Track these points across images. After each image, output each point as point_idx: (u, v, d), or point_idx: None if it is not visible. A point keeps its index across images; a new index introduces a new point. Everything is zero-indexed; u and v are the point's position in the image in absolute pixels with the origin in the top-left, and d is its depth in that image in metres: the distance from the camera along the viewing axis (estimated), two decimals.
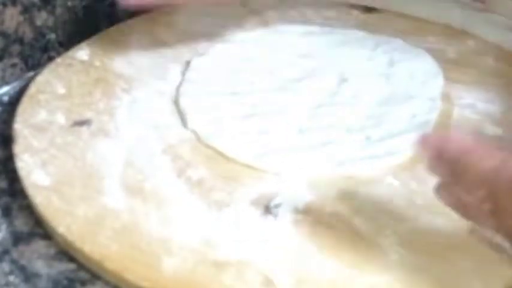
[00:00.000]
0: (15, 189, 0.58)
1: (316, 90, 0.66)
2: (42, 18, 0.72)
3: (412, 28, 0.75)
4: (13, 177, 0.58)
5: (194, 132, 0.61)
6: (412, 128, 0.62)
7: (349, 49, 0.71)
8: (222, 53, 0.70)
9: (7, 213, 0.56)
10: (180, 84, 0.66)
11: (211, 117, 0.62)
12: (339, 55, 0.71)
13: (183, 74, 0.67)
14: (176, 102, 0.64)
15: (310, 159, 0.59)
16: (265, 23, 0.75)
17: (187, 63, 0.69)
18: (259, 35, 0.73)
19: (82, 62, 0.69)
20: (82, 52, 0.70)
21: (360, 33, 0.74)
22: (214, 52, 0.70)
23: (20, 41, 0.70)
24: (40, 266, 0.52)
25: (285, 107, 0.64)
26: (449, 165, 0.48)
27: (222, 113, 0.63)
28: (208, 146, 0.60)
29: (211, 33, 0.73)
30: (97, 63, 0.69)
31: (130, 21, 0.75)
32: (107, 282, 0.50)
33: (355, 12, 0.78)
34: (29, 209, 0.56)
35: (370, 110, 0.64)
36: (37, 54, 0.72)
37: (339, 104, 0.64)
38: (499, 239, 0.50)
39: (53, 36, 0.73)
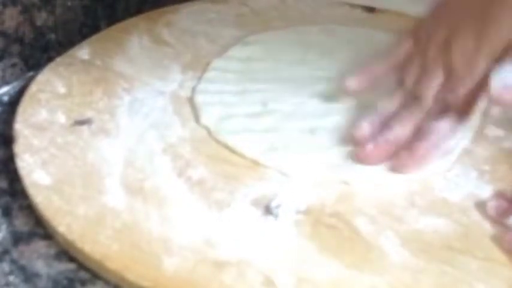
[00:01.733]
0: (16, 189, 0.58)
1: (323, 90, 0.66)
2: (42, 18, 0.71)
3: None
4: (13, 177, 0.58)
5: (206, 127, 0.61)
6: None
7: (354, 47, 0.71)
8: (240, 54, 0.70)
9: (7, 213, 0.56)
10: (198, 82, 0.66)
11: (223, 114, 0.62)
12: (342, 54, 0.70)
13: (202, 73, 0.68)
14: (191, 99, 0.64)
15: (312, 159, 0.58)
16: (265, 23, 0.75)
17: (193, 63, 0.69)
18: (273, 35, 0.74)
19: (82, 61, 0.69)
20: (83, 51, 0.70)
21: (361, 33, 0.73)
22: (233, 53, 0.70)
23: (20, 41, 0.70)
24: (40, 266, 0.52)
25: (294, 107, 0.64)
26: None
27: (234, 111, 0.63)
28: (218, 142, 0.60)
29: (211, 33, 0.73)
30: (98, 62, 0.69)
31: (130, 21, 0.75)
32: (107, 282, 0.50)
33: (356, 12, 0.78)
34: (29, 209, 0.56)
35: None
36: (37, 54, 0.72)
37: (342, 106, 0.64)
38: None
39: (53, 36, 0.73)
